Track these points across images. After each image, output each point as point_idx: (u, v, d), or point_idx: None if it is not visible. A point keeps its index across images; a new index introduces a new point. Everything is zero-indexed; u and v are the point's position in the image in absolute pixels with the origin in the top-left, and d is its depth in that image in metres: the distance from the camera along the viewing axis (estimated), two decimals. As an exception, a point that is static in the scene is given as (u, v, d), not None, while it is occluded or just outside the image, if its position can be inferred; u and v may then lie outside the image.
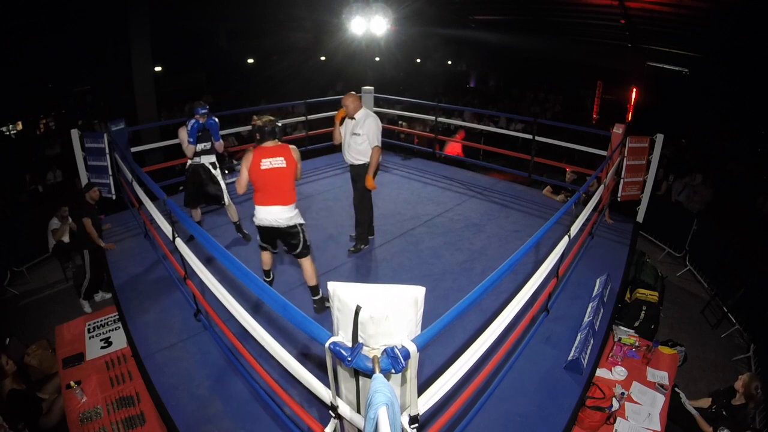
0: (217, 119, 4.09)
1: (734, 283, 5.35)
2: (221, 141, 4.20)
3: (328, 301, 2.91)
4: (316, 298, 3.26)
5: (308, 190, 5.61)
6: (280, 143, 2.98)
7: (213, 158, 4.15)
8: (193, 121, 3.98)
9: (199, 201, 4.24)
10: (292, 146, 2.98)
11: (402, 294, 1.41)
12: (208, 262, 2.81)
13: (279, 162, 2.88)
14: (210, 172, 4.12)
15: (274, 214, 2.94)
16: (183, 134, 4.03)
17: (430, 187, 5.80)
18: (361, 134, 3.71)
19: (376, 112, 6.65)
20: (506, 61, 16.45)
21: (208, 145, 4.10)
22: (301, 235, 3.04)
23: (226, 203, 4.17)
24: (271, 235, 3.11)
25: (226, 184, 4.24)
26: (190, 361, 2.84)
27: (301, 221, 3.06)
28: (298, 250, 3.08)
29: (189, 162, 4.14)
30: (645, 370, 3.46)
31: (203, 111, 4.01)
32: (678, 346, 4.18)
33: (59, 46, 9.65)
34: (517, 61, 15.80)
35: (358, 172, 3.86)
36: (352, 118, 3.77)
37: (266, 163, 2.87)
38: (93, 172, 4.75)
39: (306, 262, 3.15)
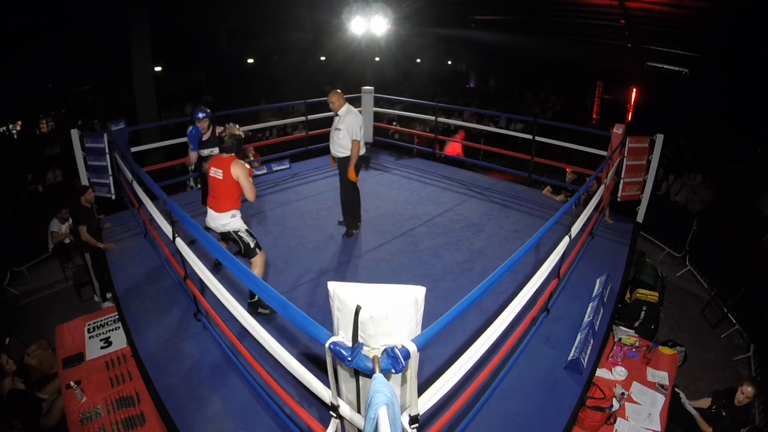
0: (191, 129, 4.06)
1: (734, 283, 5.35)
2: (195, 150, 4.15)
3: (263, 308, 3.11)
4: (252, 300, 3.24)
5: (308, 191, 5.61)
6: (230, 156, 3.16)
7: None
8: (191, 127, 4.02)
9: None
10: (239, 162, 3.14)
11: (402, 294, 1.41)
12: (209, 263, 2.80)
13: (218, 174, 3.13)
14: None
15: (209, 217, 3.22)
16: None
17: (430, 187, 5.80)
18: (342, 129, 4.03)
19: (375, 113, 6.75)
20: (506, 61, 16.44)
21: (215, 150, 4.11)
22: (240, 242, 3.20)
23: None
24: (216, 236, 3.32)
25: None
26: (190, 361, 2.83)
27: (237, 228, 3.19)
28: (242, 254, 3.22)
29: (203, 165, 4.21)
30: (645, 370, 3.46)
31: (202, 115, 4.05)
32: (678, 346, 4.18)
33: (59, 46, 9.63)
34: (517, 61, 15.78)
35: (343, 164, 4.18)
36: (336, 114, 4.10)
37: (212, 171, 3.17)
38: (93, 172, 4.75)
39: (255, 261, 3.24)
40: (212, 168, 3.17)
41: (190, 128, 4.03)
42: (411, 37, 13.03)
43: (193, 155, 4.12)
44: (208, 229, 3.23)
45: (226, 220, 3.18)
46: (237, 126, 3.29)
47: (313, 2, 11.40)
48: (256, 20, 13.53)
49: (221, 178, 3.12)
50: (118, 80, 9.20)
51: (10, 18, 8.25)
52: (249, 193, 3.18)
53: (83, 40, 9.80)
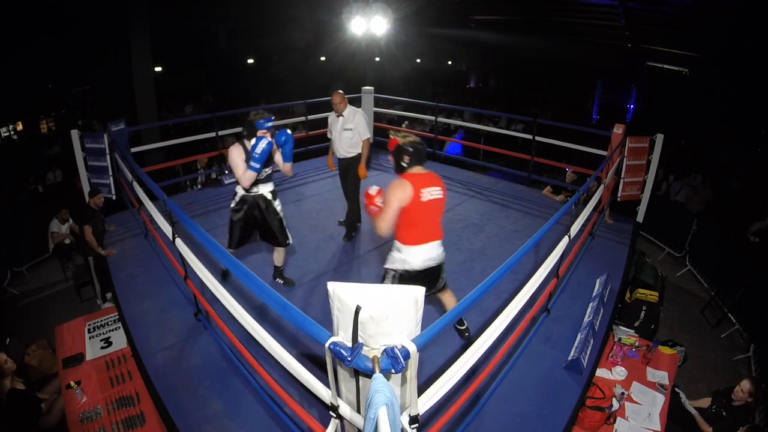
0: (264, 143, 2.85)
1: (734, 283, 5.35)
2: (291, 162, 3.15)
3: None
4: (462, 327, 2.95)
5: (308, 191, 5.61)
6: (427, 171, 2.53)
7: (272, 185, 3.20)
8: (263, 140, 2.84)
9: (248, 241, 3.33)
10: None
11: (402, 294, 1.42)
12: (201, 255, 2.80)
13: (437, 192, 2.44)
14: (271, 204, 3.18)
15: (432, 252, 2.51)
16: (237, 156, 2.94)
17: (430, 187, 5.78)
18: (352, 129, 4.08)
19: (375, 113, 6.75)
20: (506, 61, 16.46)
21: (269, 169, 3.09)
22: (444, 273, 2.68)
23: (290, 242, 3.35)
24: (424, 278, 2.52)
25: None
26: (190, 361, 2.83)
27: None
28: (445, 283, 2.70)
29: (240, 193, 3.13)
30: (645, 370, 3.46)
31: (269, 124, 2.93)
32: (678, 346, 4.18)
33: (59, 47, 9.65)
34: (517, 61, 15.80)
35: (351, 163, 4.23)
36: (341, 115, 4.10)
37: (426, 194, 2.39)
38: (93, 173, 4.74)
39: (449, 295, 2.78)
40: (423, 190, 2.38)
41: (263, 141, 2.84)
42: (411, 37, 13.04)
43: (250, 175, 2.94)
44: (418, 272, 2.51)
45: (442, 247, 2.60)
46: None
47: (313, 2, 11.41)
48: (256, 20, 13.55)
49: (442, 196, 2.50)
50: (118, 80, 9.22)
51: (10, 18, 8.26)
52: None
53: (83, 40, 9.81)
